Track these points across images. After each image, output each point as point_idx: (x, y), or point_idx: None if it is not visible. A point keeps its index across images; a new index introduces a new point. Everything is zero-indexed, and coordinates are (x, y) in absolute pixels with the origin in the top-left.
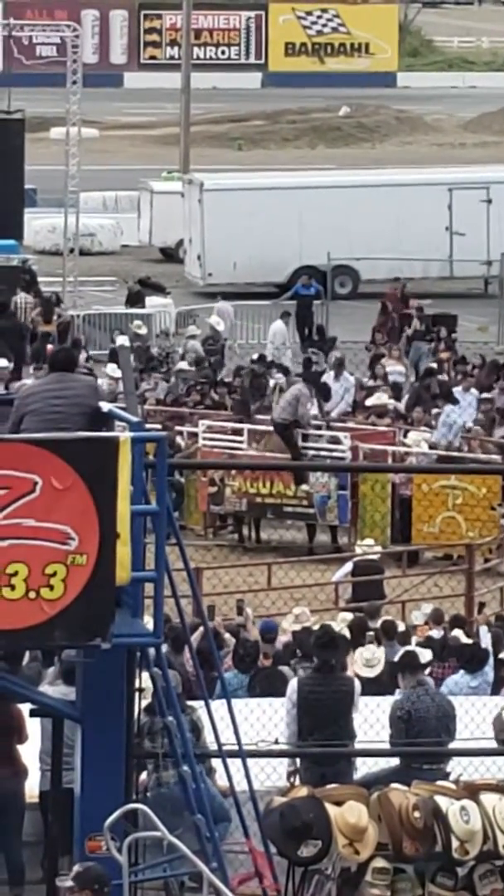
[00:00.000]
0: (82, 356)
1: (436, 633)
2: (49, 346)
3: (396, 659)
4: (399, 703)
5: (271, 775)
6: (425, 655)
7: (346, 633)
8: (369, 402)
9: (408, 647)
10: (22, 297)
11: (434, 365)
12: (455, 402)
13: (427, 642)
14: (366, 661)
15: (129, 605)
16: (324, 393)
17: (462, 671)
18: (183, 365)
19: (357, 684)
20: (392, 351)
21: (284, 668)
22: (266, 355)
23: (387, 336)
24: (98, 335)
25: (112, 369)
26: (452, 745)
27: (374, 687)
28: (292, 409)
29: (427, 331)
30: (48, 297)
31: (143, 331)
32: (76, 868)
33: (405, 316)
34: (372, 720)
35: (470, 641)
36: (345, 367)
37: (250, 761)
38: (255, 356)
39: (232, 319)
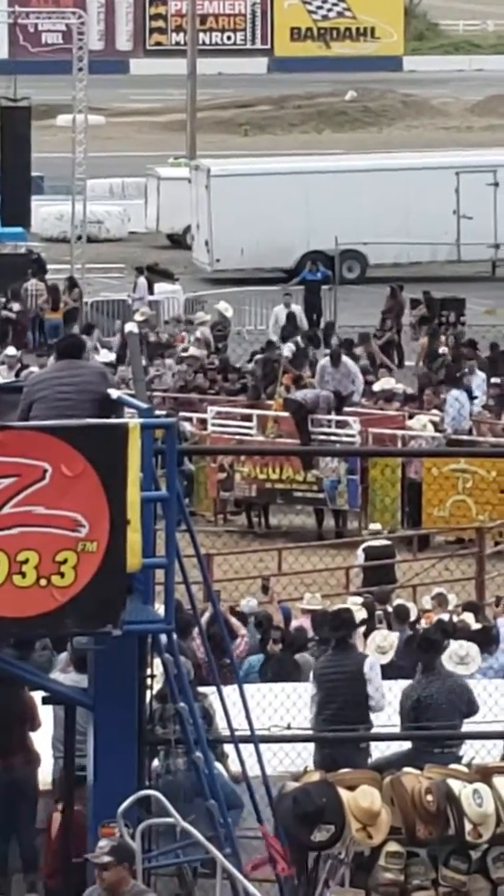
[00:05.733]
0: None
1: (444, 617)
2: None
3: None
4: (407, 691)
5: (283, 760)
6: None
7: (362, 612)
8: (376, 387)
9: (425, 628)
10: (32, 284)
11: (444, 349)
12: (461, 385)
13: (438, 625)
14: (378, 646)
15: (139, 591)
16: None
17: None
18: (193, 351)
19: (369, 660)
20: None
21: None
22: (273, 341)
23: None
24: (106, 322)
25: (105, 355)
26: (465, 729)
27: (388, 671)
28: (312, 399)
29: (433, 315)
30: (53, 285)
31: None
32: (109, 842)
33: None
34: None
35: (479, 626)
36: (341, 355)
37: (263, 747)
38: (264, 344)
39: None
